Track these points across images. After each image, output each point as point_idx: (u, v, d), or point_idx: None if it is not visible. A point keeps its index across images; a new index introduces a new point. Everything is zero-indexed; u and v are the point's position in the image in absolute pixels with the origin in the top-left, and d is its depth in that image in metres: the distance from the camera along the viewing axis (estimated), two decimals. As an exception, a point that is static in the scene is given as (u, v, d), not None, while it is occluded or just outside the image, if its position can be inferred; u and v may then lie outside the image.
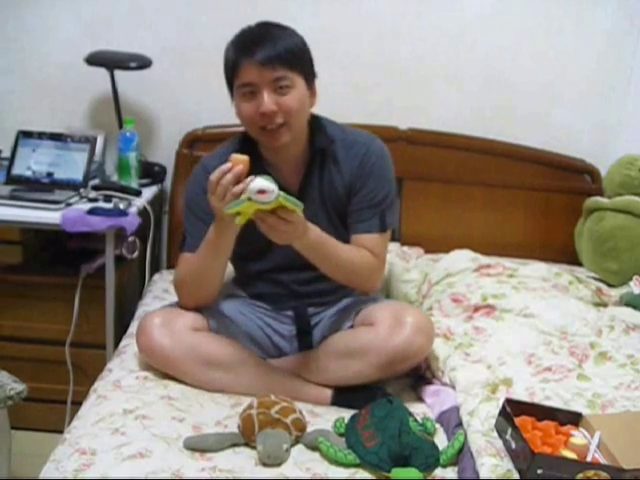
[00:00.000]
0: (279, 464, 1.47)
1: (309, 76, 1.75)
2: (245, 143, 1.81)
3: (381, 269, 1.87)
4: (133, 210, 2.22)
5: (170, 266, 2.53)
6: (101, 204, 2.20)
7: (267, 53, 1.66)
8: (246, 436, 1.53)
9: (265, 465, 1.46)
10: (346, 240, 1.81)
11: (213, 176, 1.59)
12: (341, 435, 1.57)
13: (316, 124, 1.83)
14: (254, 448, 1.50)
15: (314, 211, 1.81)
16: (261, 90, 1.68)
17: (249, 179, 1.53)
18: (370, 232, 1.81)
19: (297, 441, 1.54)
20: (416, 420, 1.59)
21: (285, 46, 1.68)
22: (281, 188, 1.51)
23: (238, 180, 1.58)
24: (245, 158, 1.60)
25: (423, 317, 1.77)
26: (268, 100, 1.67)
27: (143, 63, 2.43)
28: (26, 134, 2.30)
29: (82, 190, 2.24)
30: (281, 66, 1.67)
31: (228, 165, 1.59)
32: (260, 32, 1.72)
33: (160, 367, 1.75)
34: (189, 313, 1.77)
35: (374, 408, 1.58)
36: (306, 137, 1.81)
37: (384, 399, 1.62)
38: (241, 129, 1.82)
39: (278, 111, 1.69)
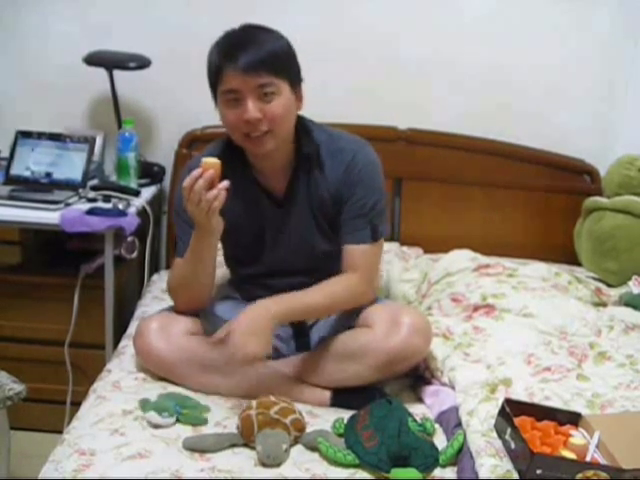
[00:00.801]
0: (278, 464, 1.47)
1: (295, 81, 1.70)
2: (231, 146, 1.77)
3: (370, 282, 1.79)
4: (132, 210, 2.22)
5: (169, 266, 2.52)
6: (100, 204, 2.20)
7: (251, 58, 1.61)
8: (245, 436, 1.52)
9: (264, 465, 1.46)
10: (336, 244, 1.78)
11: (185, 182, 1.58)
12: (340, 435, 1.57)
13: (302, 128, 1.78)
14: (253, 448, 1.50)
15: (301, 216, 1.80)
16: (245, 97, 1.63)
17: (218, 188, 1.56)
18: (363, 242, 1.75)
19: (296, 441, 1.54)
20: (415, 420, 1.59)
21: (269, 51, 1.63)
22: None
23: (211, 184, 1.57)
24: (216, 162, 1.59)
25: (420, 317, 1.77)
26: (252, 108, 1.63)
27: (142, 63, 2.43)
28: (25, 134, 2.29)
29: (81, 190, 2.24)
30: (266, 72, 1.62)
31: (199, 170, 1.57)
32: (244, 36, 1.66)
33: (157, 371, 1.75)
34: (185, 318, 1.77)
35: (373, 408, 1.58)
36: (292, 141, 1.77)
37: (383, 399, 1.62)
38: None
39: (263, 119, 1.64)
